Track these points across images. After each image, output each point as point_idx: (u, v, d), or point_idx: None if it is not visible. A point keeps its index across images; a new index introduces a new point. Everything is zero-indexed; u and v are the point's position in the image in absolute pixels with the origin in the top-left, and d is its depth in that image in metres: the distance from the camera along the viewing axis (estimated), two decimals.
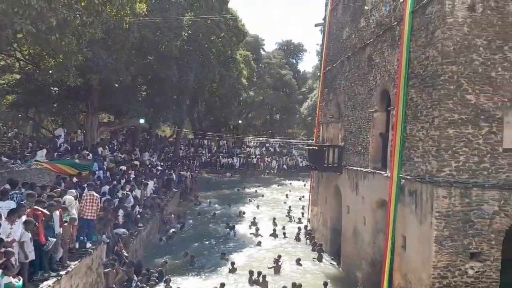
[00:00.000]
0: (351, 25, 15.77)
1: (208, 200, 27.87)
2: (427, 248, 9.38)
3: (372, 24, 13.55)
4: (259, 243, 18.03)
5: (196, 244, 17.84)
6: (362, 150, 13.95)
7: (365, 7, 14.21)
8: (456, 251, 9.22)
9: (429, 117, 9.77)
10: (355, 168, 14.27)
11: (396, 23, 11.75)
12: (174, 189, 25.49)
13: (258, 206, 26.28)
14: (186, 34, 24.33)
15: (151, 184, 20.35)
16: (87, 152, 17.84)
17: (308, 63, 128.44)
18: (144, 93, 28.26)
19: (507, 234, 9.43)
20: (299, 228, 20.40)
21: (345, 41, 16.45)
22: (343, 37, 16.64)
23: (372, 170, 12.80)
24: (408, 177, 10.42)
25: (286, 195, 30.82)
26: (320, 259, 16.16)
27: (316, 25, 20.29)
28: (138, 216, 16.25)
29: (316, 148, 17.41)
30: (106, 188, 15.17)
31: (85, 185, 12.29)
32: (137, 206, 16.43)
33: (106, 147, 22.06)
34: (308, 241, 18.64)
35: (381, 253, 11.88)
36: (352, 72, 15.33)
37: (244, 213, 23.93)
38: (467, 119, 9.34)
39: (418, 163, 10.15)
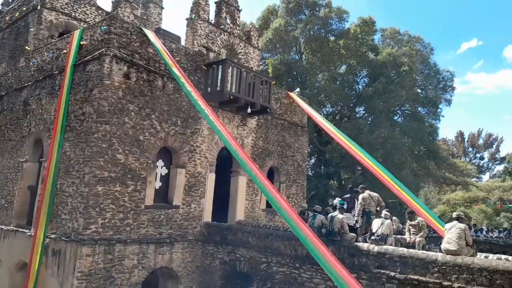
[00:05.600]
0: (9, 61, 14.04)
1: None
2: None
3: (33, 67, 12.54)
4: None
5: None
6: (6, 205, 12.06)
7: (27, 47, 13.05)
8: None
9: (81, 172, 9.64)
10: None
11: (57, 72, 11.32)
12: None
13: None
14: None
15: None
16: None
17: None
18: None
19: (147, 285, 10.25)
20: None
21: (0, 78, 14.36)
22: None
23: (15, 228, 11.18)
24: (53, 236, 9.69)
25: None
26: None
27: None
28: None
29: None
30: None
31: None
32: None
33: None
34: None
35: None
36: (4, 114, 13.41)
37: None
38: (116, 177, 9.81)
39: (65, 220, 9.67)
